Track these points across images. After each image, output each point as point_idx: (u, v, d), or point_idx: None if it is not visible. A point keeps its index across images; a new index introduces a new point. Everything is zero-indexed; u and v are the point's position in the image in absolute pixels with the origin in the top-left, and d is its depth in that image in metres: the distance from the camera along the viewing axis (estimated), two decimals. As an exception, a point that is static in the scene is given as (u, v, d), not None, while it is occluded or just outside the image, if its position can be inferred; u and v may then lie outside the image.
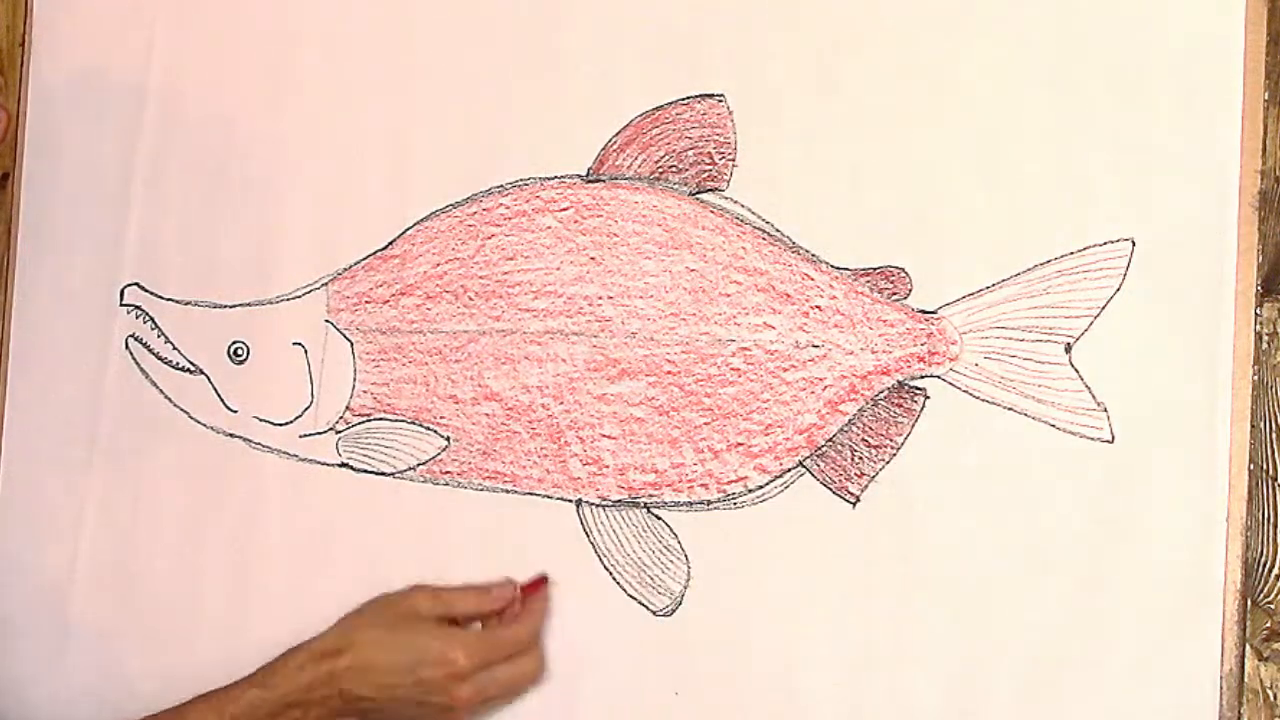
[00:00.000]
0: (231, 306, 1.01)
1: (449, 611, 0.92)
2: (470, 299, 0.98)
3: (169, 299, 1.02)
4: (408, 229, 0.99)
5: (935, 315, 0.91)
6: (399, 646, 0.90)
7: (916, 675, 0.90)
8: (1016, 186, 0.90)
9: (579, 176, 0.97)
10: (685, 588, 0.94)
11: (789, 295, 0.93)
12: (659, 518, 0.94)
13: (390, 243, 0.99)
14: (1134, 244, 0.88)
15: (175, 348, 1.02)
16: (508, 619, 0.93)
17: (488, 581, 0.94)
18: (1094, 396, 0.88)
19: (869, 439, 0.92)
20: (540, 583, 0.94)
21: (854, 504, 0.91)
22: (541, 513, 0.96)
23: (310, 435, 1.00)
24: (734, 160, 0.94)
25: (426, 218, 0.99)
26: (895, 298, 0.92)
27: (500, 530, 0.96)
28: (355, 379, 0.99)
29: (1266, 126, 0.86)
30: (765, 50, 0.94)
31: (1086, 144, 0.89)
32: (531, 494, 0.96)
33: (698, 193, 0.95)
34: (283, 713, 0.90)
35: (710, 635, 0.93)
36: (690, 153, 0.95)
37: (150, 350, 1.02)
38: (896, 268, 0.92)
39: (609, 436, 0.95)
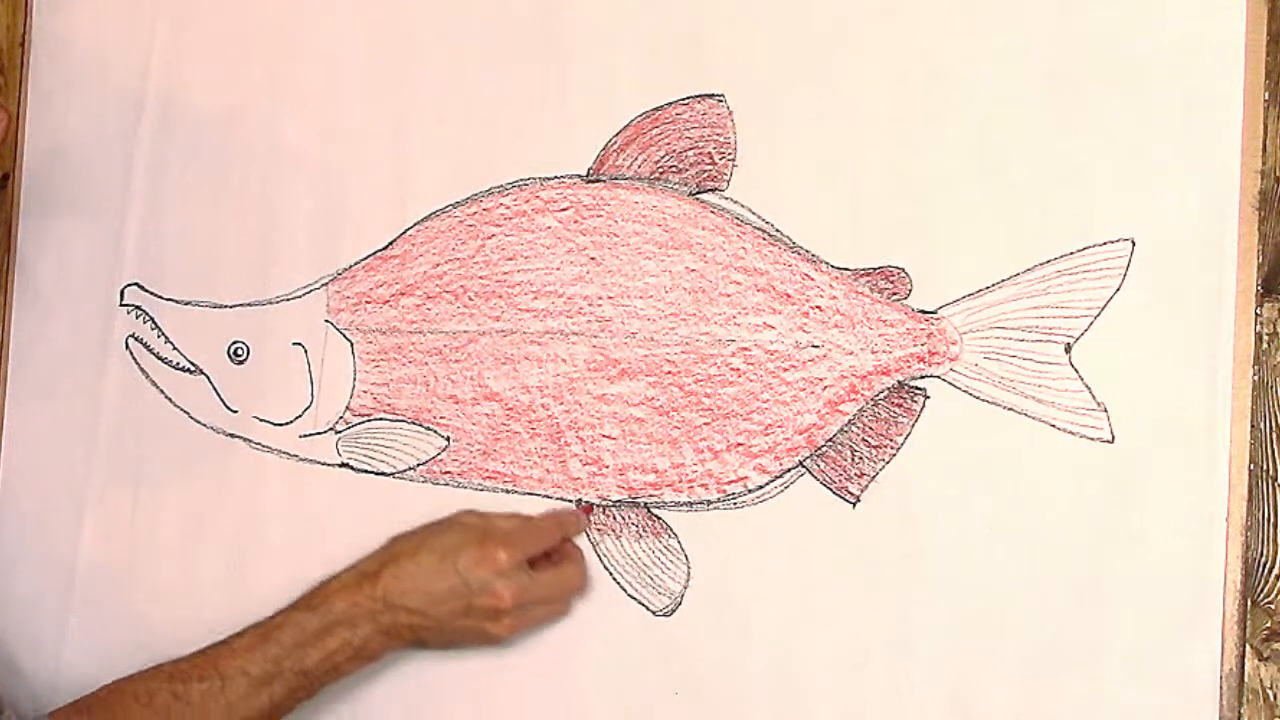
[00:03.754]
0: (231, 306, 1.01)
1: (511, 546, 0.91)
2: (470, 299, 0.98)
3: (169, 299, 1.02)
4: (408, 229, 0.99)
5: (935, 315, 0.91)
6: (445, 572, 0.89)
7: (916, 675, 0.90)
8: (1016, 186, 0.89)
9: (579, 176, 0.96)
10: (685, 588, 0.94)
11: (789, 295, 0.93)
12: (659, 518, 0.94)
13: (390, 243, 0.99)
14: (1134, 244, 0.88)
15: (175, 348, 1.02)
16: (555, 558, 0.93)
17: (539, 516, 0.95)
18: (1094, 396, 0.88)
19: (869, 439, 0.91)
20: (586, 510, 0.95)
21: (854, 504, 0.91)
22: (541, 513, 0.96)
23: (310, 435, 1.00)
24: (734, 160, 0.94)
25: (426, 218, 0.99)
26: (895, 298, 0.92)
27: (500, 530, 0.96)
28: (355, 379, 0.99)
29: (1266, 126, 0.86)
30: (765, 50, 0.94)
31: (1086, 144, 0.88)
32: (531, 494, 0.96)
33: (698, 193, 0.95)
34: (331, 631, 0.89)
35: (710, 635, 0.93)
36: (690, 153, 0.95)
37: (150, 350, 1.02)
38: (896, 268, 0.92)
39: (609, 436, 0.95)
